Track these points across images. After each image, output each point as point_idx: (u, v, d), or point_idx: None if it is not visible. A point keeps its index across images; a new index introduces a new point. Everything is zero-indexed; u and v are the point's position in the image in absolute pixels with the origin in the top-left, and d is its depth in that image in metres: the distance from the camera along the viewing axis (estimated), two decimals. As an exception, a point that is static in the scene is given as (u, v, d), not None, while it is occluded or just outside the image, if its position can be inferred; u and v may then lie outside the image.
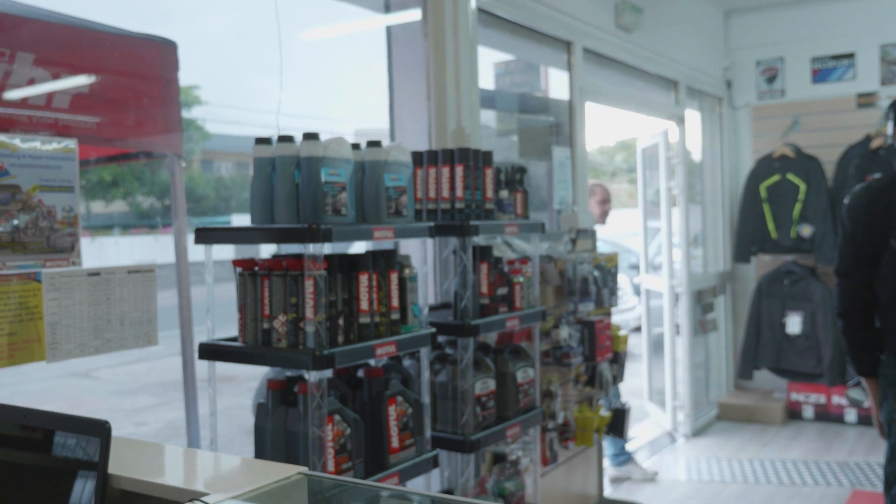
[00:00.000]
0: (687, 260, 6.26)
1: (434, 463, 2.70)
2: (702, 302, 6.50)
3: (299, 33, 4.10)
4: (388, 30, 3.75)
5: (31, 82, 2.23)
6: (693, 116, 6.69)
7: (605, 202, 5.54)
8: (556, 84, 4.92)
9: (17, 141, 2.00)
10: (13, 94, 2.20)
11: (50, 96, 2.27)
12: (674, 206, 6.35)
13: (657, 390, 6.57)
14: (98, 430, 1.33)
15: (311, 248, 2.24)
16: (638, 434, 6.17)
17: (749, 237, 6.59)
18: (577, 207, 4.51)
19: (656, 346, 6.60)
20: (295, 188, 2.31)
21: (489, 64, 4.83)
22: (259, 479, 1.26)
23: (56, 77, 2.28)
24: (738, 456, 5.61)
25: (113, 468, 1.33)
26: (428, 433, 2.70)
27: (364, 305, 2.42)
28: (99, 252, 16.61)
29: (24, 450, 1.40)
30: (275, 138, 2.34)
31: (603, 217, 5.51)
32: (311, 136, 2.29)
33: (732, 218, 6.89)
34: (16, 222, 2.02)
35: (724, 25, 6.96)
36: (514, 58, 4.88)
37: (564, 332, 3.80)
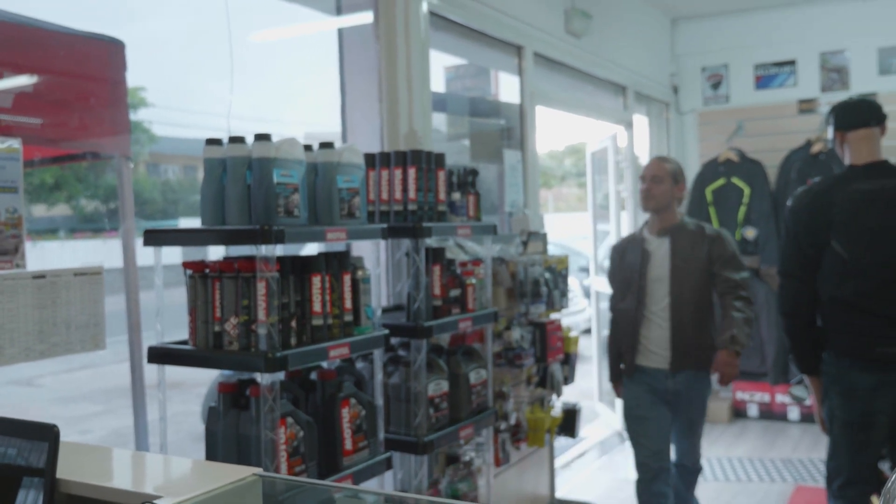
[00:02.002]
0: (636, 262, 6.34)
1: (388, 465, 2.69)
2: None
3: (250, 35, 4.06)
4: (340, 32, 3.74)
5: (-26, 81, 2.17)
6: (641, 121, 6.80)
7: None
8: (507, 88, 4.95)
9: (-42, 140, 1.95)
10: (-46, 93, 2.14)
11: (-8, 95, 2.21)
12: (623, 210, 6.44)
13: (607, 391, 6.65)
14: (46, 435, 1.30)
15: (264, 250, 2.22)
16: (588, 434, 6.23)
17: (696, 240, 6.70)
18: (528, 210, 4.54)
19: (606, 347, 6.67)
20: (247, 189, 2.29)
21: (440, 68, 4.84)
22: (213, 481, 1.24)
23: (-1, 76, 2.23)
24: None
25: (60, 473, 1.31)
26: (381, 435, 2.70)
27: (317, 307, 2.41)
28: (41, 256, 16.20)
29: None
30: (226, 139, 2.32)
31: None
32: (262, 137, 2.28)
33: (679, 221, 7.01)
34: (-43, 224, 1.96)
35: (670, 32, 7.09)
36: (464, 62, 4.90)
37: (516, 334, 3.83)
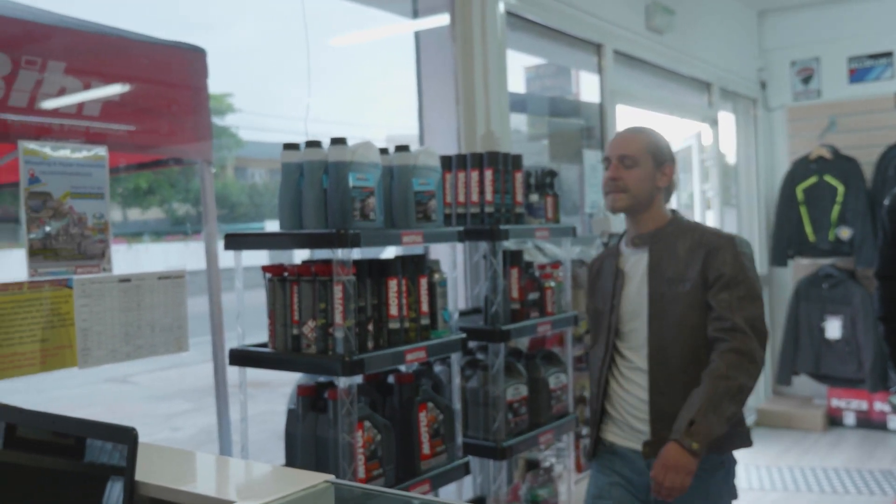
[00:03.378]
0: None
1: (466, 470, 2.67)
2: (738, 306, 6.38)
3: (329, 39, 4.11)
4: (417, 35, 3.74)
5: (63, 91, 2.24)
6: (727, 118, 6.59)
7: None
8: (587, 87, 4.88)
9: (47, 149, 2.02)
10: (45, 103, 2.21)
11: (81, 104, 2.28)
12: (708, 209, 6.26)
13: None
14: (125, 437, 1.32)
15: (340, 254, 2.23)
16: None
17: (786, 240, 6.48)
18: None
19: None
20: (323, 193, 2.30)
21: (520, 68, 4.81)
22: (286, 487, 1.24)
23: (87, 85, 2.30)
24: (777, 463, 5.50)
25: (143, 475, 1.33)
26: (459, 440, 2.68)
27: (393, 311, 2.40)
28: (135, 258, 16.83)
29: (56, 456, 1.39)
30: (303, 144, 2.34)
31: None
32: (338, 141, 2.28)
33: (769, 221, 6.78)
34: (48, 229, 2.03)
35: (757, 26, 6.86)
36: (543, 61, 4.85)
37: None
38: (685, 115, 5.91)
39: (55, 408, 1.58)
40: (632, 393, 2.36)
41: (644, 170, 2.33)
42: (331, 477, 1.30)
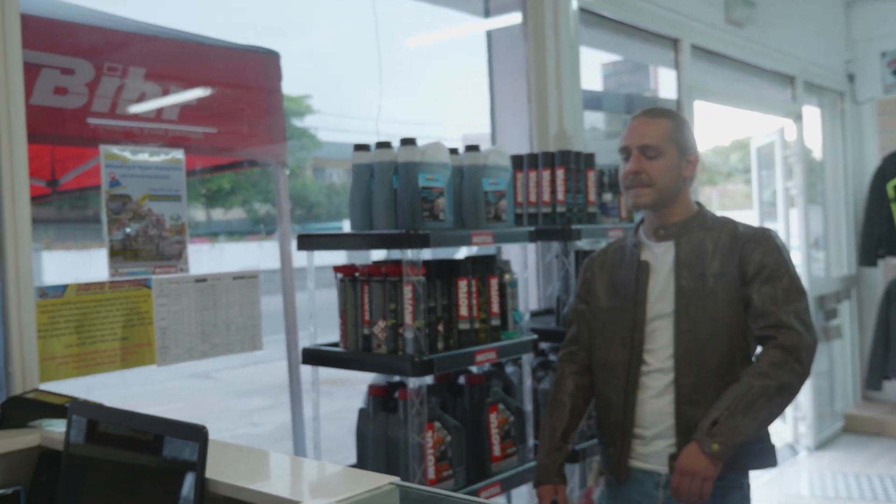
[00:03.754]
0: (808, 263, 5.96)
1: (536, 472, 2.64)
2: (824, 308, 6.16)
3: (403, 40, 4.13)
4: (489, 34, 3.73)
5: (142, 96, 2.31)
6: (812, 113, 6.36)
7: None
8: (666, 83, 4.78)
9: (127, 153, 2.08)
10: (126, 108, 2.28)
11: (159, 109, 2.35)
12: (792, 207, 6.05)
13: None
14: (196, 435, 1.35)
15: (409, 254, 2.23)
16: (755, 445, 5.90)
17: (875, 239, 6.21)
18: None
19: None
20: (393, 194, 2.31)
21: (596, 65, 4.74)
22: (351, 488, 1.25)
23: (165, 90, 2.36)
24: (866, 472, 5.28)
25: (216, 473, 1.36)
26: (531, 442, 2.65)
27: (464, 311, 2.39)
28: (217, 258, 17.30)
29: (134, 451, 1.44)
30: (373, 145, 2.35)
31: None
32: (408, 142, 2.29)
33: (857, 219, 6.52)
34: (127, 230, 2.10)
35: (844, 16, 6.59)
36: (619, 58, 4.77)
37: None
38: (767, 111, 5.73)
39: (141, 402, 1.63)
40: (652, 402, 2.09)
41: (669, 160, 2.08)
42: (395, 479, 1.30)
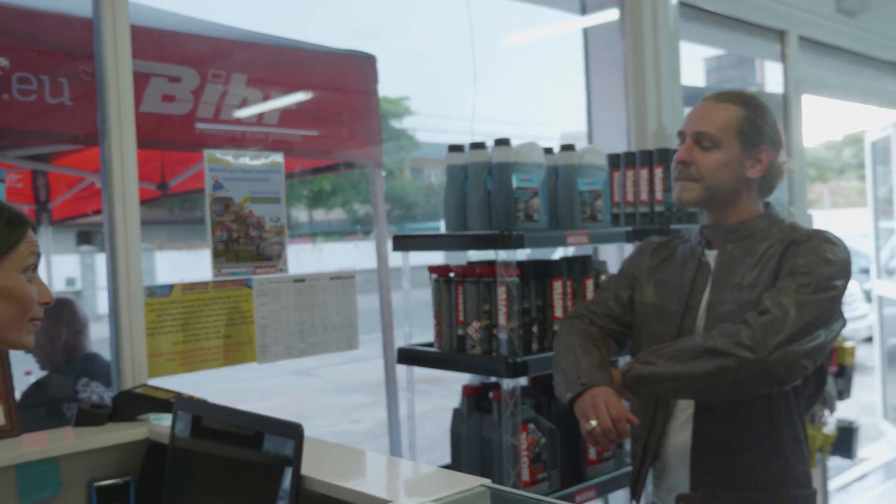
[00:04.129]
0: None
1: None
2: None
3: (500, 40, 4.13)
4: (585, 31, 3.68)
5: (244, 101, 2.39)
6: (932, 104, 6.01)
7: None
8: (773, 77, 4.61)
9: (229, 157, 2.15)
10: (228, 114, 2.36)
11: (261, 114, 2.42)
12: (910, 205, 5.74)
13: (893, 407, 5.96)
14: (293, 433, 1.38)
15: (503, 255, 2.22)
16: (870, 455, 5.63)
17: None
18: (794, 208, 4.19)
19: (892, 357, 5.99)
20: (487, 195, 2.30)
21: (698, 60, 4.62)
22: (442, 489, 1.26)
23: (266, 95, 2.43)
24: None
25: (313, 470, 1.38)
26: (628, 446, 2.60)
27: (559, 312, 2.37)
28: (319, 258, 17.73)
29: (235, 446, 1.48)
30: (467, 146, 2.35)
31: None
32: (502, 142, 2.28)
33: (983, 216, 6.12)
34: (230, 232, 2.17)
35: (969, 1, 6.20)
36: (723, 52, 4.63)
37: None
38: (882, 104, 5.44)
39: (246, 397, 1.69)
40: (677, 434, 1.81)
41: (727, 154, 1.74)
42: (486, 481, 1.30)
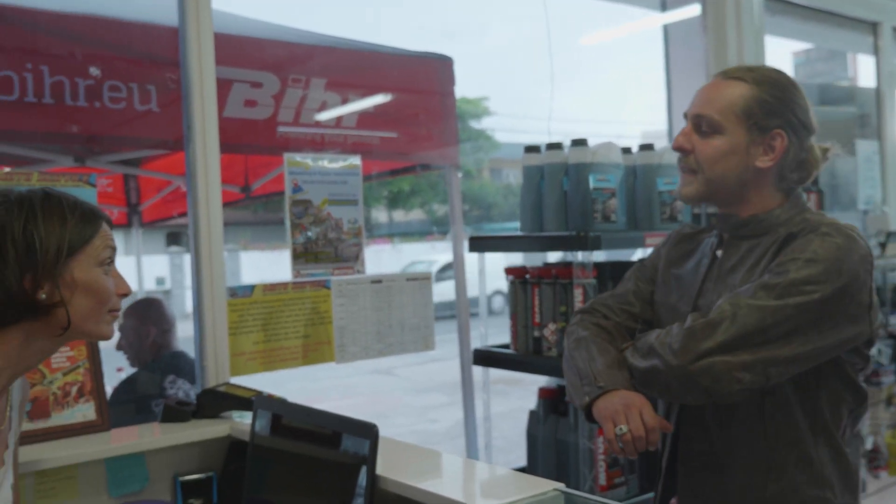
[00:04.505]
0: None
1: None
2: None
3: (577, 38, 4.08)
4: (665, 28, 3.61)
5: (323, 105, 2.43)
6: None
7: None
8: (866, 71, 4.44)
9: (308, 160, 2.19)
10: (308, 117, 2.41)
11: (339, 117, 2.45)
12: None
13: None
14: (368, 433, 1.40)
15: (580, 256, 2.20)
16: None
17: None
18: (887, 207, 4.02)
19: None
20: (563, 195, 2.29)
21: (786, 54, 4.48)
22: (515, 492, 1.25)
23: (344, 99, 2.47)
24: None
25: (389, 471, 1.40)
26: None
27: (637, 315, 2.33)
28: (397, 257, 17.89)
29: (314, 444, 1.51)
30: (543, 146, 2.34)
31: None
32: (578, 143, 2.26)
33: None
34: (309, 234, 2.20)
35: None
36: (811, 46, 4.48)
37: (874, 348, 3.40)
38: None
39: (327, 396, 1.72)
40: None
41: (729, 140, 1.49)
42: (560, 485, 1.28)
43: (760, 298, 1.38)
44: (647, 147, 2.41)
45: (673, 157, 2.41)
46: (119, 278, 1.34)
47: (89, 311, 1.27)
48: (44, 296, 1.22)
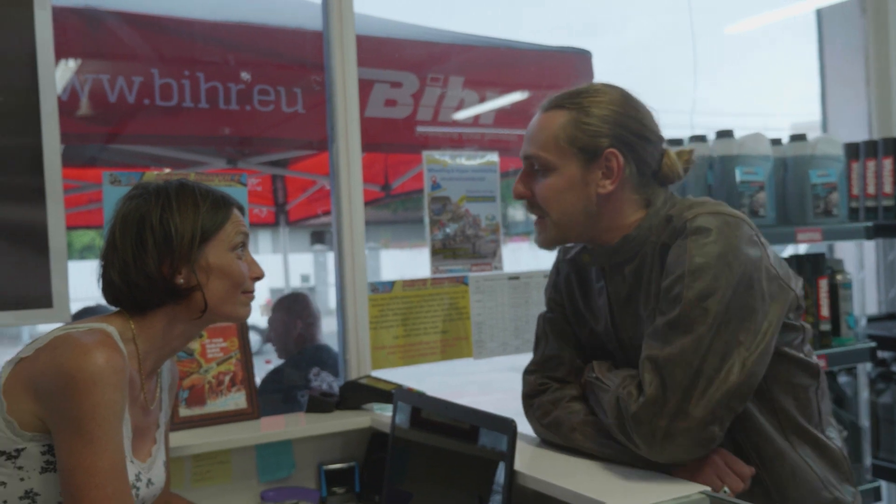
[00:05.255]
0: None
1: (876, 496, 2.38)
2: None
3: (721, 28, 3.94)
4: (818, 13, 3.42)
5: (461, 103, 2.45)
6: None
7: None
8: None
9: (447, 157, 2.21)
10: (446, 116, 2.43)
11: (476, 114, 2.47)
12: None
13: None
14: (506, 428, 1.40)
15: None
16: None
17: None
18: None
19: None
20: (707, 189, 2.21)
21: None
22: (659, 494, 1.21)
23: (482, 96, 2.48)
24: None
25: (528, 467, 1.39)
26: (868, 461, 2.39)
27: (787, 314, 2.22)
28: (536, 256, 17.80)
29: (452, 438, 1.52)
30: (686, 139, 2.27)
31: None
32: (724, 134, 2.18)
33: None
34: (447, 230, 2.23)
35: None
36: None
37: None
38: None
39: (465, 391, 1.73)
40: None
41: (563, 175, 1.39)
42: (706, 488, 1.24)
43: (671, 342, 1.26)
44: (798, 137, 2.29)
45: (828, 148, 2.29)
46: (252, 262, 1.38)
47: (224, 294, 1.32)
48: (181, 280, 1.28)
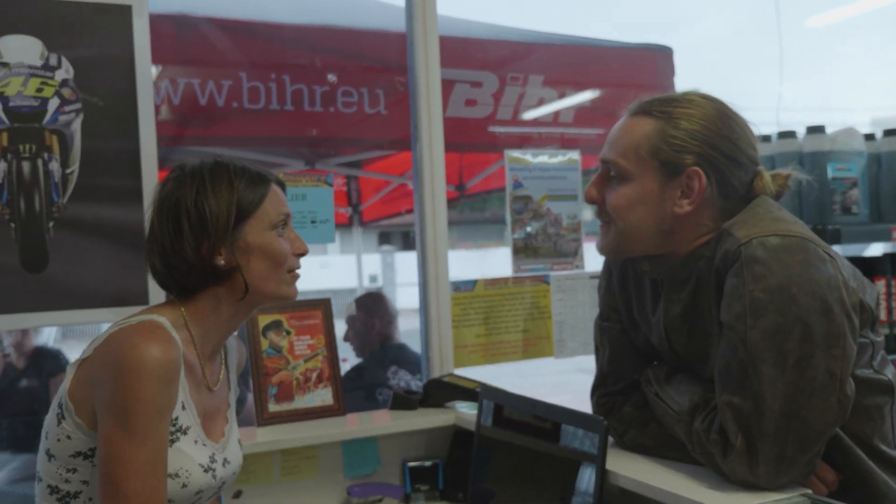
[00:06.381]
0: None
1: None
2: None
3: (804, 20, 3.84)
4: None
5: (541, 102, 2.44)
6: None
7: None
8: None
9: (528, 156, 2.21)
10: (526, 114, 2.43)
11: (556, 113, 2.46)
12: None
13: None
14: (597, 427, 1.39)
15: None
16: None
17: None
18: None
19: None
20: (798, 186, 2.15)
21: None
22: (758, 496, 1.19)
23: (562, 95, 2.47)
24: None
25: (619, 468, 1.38)
26: None
27: (881, 314, 2.15)
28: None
29: (535, 436, 1.52)
30: (774, 135, 2.22)
31: None
32: (815, 130, 2.12)
33: None
34: (529, 229, 2.23)
35: None
36: None
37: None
38: None
39: (537, 393, 1.73)
40: None
41: (639, 187, 1.32)
42: (808, 490, 1.21)
43: (745, 386, 1.19)
44: (892, 133, 2.22)
45: (924, 143, 2.21)
46: (296, 238, 1.34)
47: (266, 273, 1.28)
48: (222, 261, 1.25)
